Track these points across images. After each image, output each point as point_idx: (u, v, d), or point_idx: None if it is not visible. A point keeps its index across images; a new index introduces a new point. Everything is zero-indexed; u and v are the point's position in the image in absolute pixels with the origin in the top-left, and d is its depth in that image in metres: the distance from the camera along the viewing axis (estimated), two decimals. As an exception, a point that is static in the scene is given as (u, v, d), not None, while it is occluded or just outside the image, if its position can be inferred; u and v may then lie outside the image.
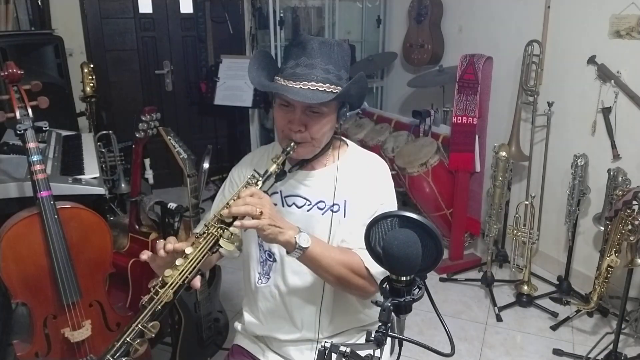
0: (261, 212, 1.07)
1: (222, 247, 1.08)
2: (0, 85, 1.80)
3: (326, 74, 1.17)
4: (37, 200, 1.52)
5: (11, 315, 2.17)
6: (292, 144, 1.20)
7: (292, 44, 1.22)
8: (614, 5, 2.54)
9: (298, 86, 1.16)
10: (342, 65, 1.20)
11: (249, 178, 1.15)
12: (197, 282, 1.06)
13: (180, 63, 4.39)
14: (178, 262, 1.03)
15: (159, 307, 0.99)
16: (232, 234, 1.08)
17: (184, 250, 1.04)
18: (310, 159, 1.30)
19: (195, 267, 1.04)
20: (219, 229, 1.07)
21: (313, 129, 1.21)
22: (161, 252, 1.05)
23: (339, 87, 1.19)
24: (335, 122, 1.26)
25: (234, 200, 1.09)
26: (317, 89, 1.16)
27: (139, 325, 0.97)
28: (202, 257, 1.05)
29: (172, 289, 1.01)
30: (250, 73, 1.23)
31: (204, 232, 1.08)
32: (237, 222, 1.06)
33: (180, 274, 1.02)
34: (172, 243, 1.05)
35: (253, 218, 1.07)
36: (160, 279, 1.02)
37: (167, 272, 1.02)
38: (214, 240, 1.07)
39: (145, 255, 1.09)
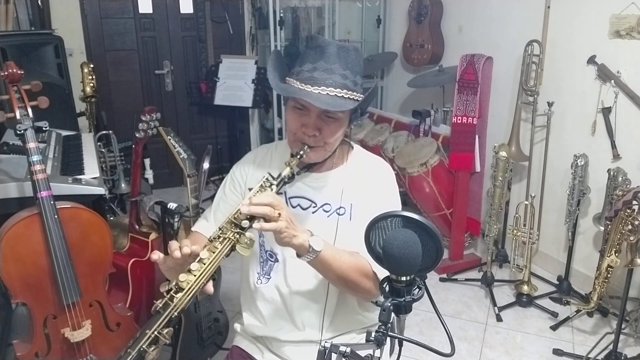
0: (279, 214, 1.05)
1: (238, 252, 1.06)
2: (0, 85, 1.80)
3: (344, 79, 1.16)
4: (37, 200, 1.51)
5: (11, 315, 2.17)
6: (305, 147, 1.19)
7: (309, 46, 1.21)
8: (614, 5, 2.54)
9: (317, 91, 1.15)
10: (357, 70, 1.20)
11: (263, 181, 1.13)
12: (210, 287, 1.05)
13: (180, 63, 4.39)
14: (193, 266, 1.01)
15: (176, 313, 0.98)
16: (248, 239, 1.06)
17: (198, 254, 1.02)
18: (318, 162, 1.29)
19: (210, 271, 1.02)
20: (235, 234, 1.05)
21: (327, 133, 1.20)
22: (176, 253, 1.02)
23: (355, 93, 1.19)
24: (346, 127, 1.25)
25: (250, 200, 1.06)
26: (335, 94, 1.15)
27: (155, 332, 0.96)
28: (218, 262, 1.04)
29: (188, 294, 0.99)
30: (269, 75, 1.22)
31: (219, 236, 1.06)
32: (256, 225, 1.03)
33: (196, 278, 1.00)
34: (188, 246, 1.03)
35: (270, 220, 1.05)
36: (174, 283, 0.99)
37: (182, 276, 0.99)
38: (230, 246, 1.05)
39: (156, 255, 1.05)
